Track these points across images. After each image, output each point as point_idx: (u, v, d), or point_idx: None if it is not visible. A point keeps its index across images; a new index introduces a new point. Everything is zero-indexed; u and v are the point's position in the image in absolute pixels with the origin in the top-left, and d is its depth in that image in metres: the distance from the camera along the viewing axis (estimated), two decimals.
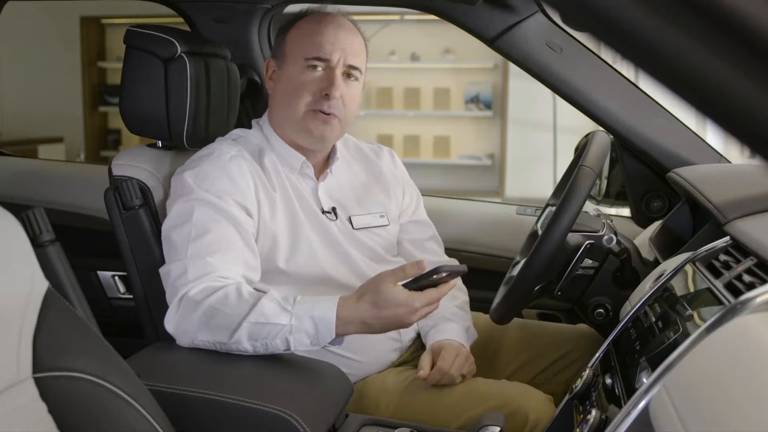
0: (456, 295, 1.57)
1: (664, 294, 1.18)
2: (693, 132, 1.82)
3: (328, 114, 1.44)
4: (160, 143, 1.61)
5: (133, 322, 1.59)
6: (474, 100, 5.47)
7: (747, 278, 0.95)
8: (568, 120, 4.74)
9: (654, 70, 0.45)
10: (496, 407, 1.31)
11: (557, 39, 1.81)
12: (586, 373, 1.17)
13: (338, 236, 1.50)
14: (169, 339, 1.32)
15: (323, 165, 1.56)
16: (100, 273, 2.14)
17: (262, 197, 1.43)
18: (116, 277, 2.15)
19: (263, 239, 1.42)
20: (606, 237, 1.44)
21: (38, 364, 0.89)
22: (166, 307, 1.33)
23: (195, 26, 2.04)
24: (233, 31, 2.02)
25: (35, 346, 0.89)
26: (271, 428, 1.13)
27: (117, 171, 1.53)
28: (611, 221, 1.51)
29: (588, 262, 1.46)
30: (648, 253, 1.58)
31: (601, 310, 1.47)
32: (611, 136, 1.72)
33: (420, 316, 1.24)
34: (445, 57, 5.41)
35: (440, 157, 5.54)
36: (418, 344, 1.57)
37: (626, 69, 1.85)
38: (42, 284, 0.94)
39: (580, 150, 1.47)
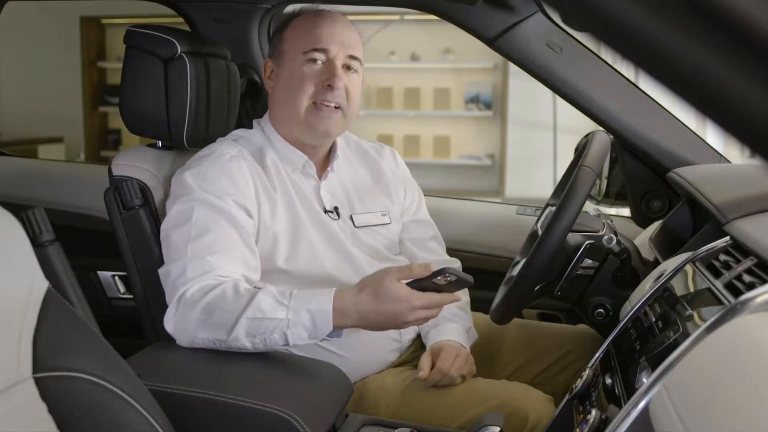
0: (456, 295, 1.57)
1: (664, 294, 1.18)
2: (693, 132, 1.82)
3: (332, 106, 1.44)
4: (160, 143, 1.61)
5: (133, 322, 1.59)
6: (474, 100, 5.47)
7: (747, 278, 0.95)
8: (568, 120, 4.73)
9: (654, 70, 0.45)
10: (496, 407, 1.31)
11: (557, 39, 1.81)
12: (586, 373, 1.17)
13: (340, 235, 1.50)
14: (169, 339, 1.32)
15: (324, 163, 1.56)
16: (100, 273, 2.15)
17: (262, 197, 1.43)
18: (116, 277, 2.15)
19: (263, 239, 1.42)
20: (606, 237, 1.44)
21: (38, 364, 0.89)
22: (165, 307, 1.33)
23: (195, 26, 2.05)
24: (233, 31, 2.02)
25: (35, 346, 0.89)
26: (271, 428, 1.13)
27: (117, 171, 1.53)
28: (611, 221, 1.51)
29: (588, 262, 1.46)
30: (648, 253, 1.58)
31: (601, 310, 1.47)
32: (611, 136, 1.72)
33: (418, 316, 1.24)
34: (445, 57, 5.40)
35: (440, 157, 5.54)
36: (418, 344, 1.58)
37: (626, 69, 1.85)
38: (42, 284, 0.94)
39: (580, 150, 1.47)
